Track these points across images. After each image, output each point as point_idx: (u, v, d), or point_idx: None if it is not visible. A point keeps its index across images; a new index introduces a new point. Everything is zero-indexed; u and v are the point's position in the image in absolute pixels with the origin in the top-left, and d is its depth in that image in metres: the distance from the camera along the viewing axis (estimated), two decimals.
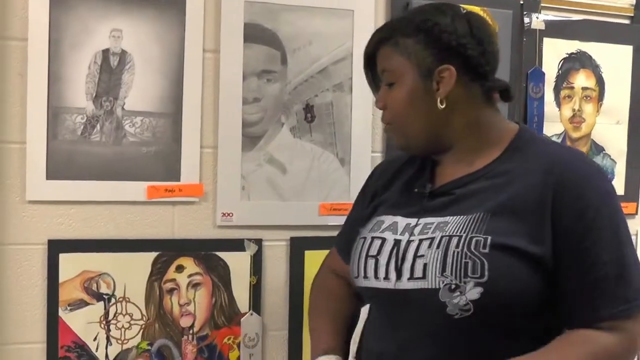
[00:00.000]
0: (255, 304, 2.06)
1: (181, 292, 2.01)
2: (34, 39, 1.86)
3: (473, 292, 1.32)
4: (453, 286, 1.33)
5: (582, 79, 2.34)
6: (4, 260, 1.89)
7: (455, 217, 1.40)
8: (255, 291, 2.06)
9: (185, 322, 2.02)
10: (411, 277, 1.38)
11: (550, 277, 1.37)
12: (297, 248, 2.09)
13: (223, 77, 1.99)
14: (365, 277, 1.47)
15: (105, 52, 1.92)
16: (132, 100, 1.94)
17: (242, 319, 2.04)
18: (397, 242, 1.44)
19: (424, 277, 1.36)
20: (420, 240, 1.40)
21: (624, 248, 1.37)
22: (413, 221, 1.46)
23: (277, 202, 2.06)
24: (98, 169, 1.92)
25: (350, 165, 2.11)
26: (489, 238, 1.34)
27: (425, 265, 1.37)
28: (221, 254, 2.02)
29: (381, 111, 1.53)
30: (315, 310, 1.71)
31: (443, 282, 1.34)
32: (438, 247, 1.37)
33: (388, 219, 1.51)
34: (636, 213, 2.43)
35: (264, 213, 2.05)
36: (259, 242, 2.05)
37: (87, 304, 1.94)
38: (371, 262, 1.46)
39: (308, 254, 2.10)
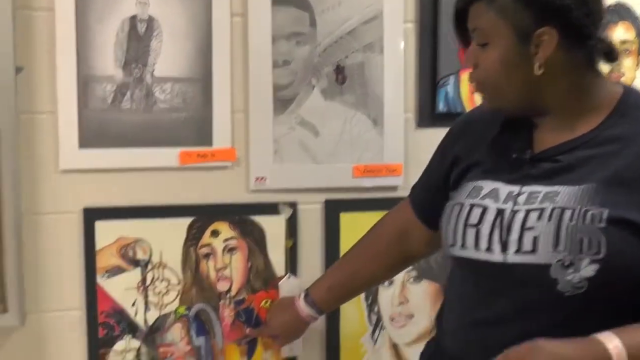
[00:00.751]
0: (292, 267, 2.07)
1: (217, 256, 2.02)
2: (60, 8, 1.86)
3: (588, 270, 1.28)
4: (567, 262, 1.29)
5: (620, 32, 2.28)
6: (41, 230, 1.91)
7: (565, 187, 1.35)
8: (291, 254, 2.07)
9: (222, 286, 2.03)
10: (519, 251, 1.34)
11: None
12: (332, 210, 2.09)
13: (252, 40, 1.98)
14: (464, 246, 1.44)
15: (133, 19, 1.92)
16: (161, 66, 1.94)
17: (279, 283, 2.05)
18: (500, 212, 1.39)
19: (533, 251, 1.32)
20: (528, 211, 1.35)
21: None
22: (516, 189, 1.40)
23: (310, 165, 2.06)
24: (130, 137, 1.93)
25: (383, 127, 2.09)
26: (606, 211, 1.29)
27: (535, 238, 1.32)
28: (256, 218, 2.03)
29: (471, 70, 1.46)
30: (347, 254, 1.86)
31: (556, 258, 1.30)
32: (550, 219, 1.32)
33: (487, 185, 1.45)
34: None
35: (298, 176, 2.06)
36: (293, 205, 2.06)
37: (124, 270, 1.96)
38: (471, 232, 1.42)
39: (343, 216, 2.09)
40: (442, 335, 1.59)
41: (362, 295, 2.12)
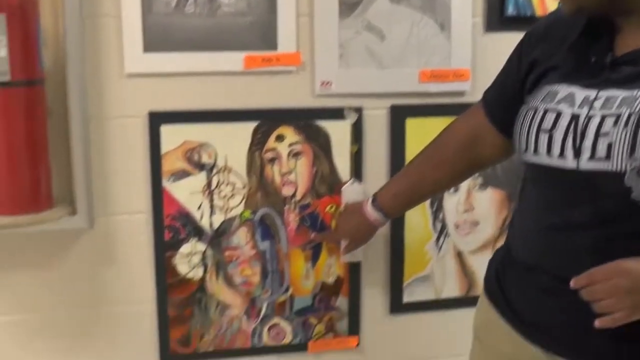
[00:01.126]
0: (356, 172, 2.08)
1: (282, 161, 2.03)
2: None
3: None
4: None
5: None
6: (107, 134, 1.94)
7: None
8: (356, 160, 2.07)
9: (286, 191, 2.05)
10: (592, 157, 1.30)
11: None
12: (398, 116, 2.08)
13: None
14: (536, 152, 1.41)
15: None
16: None
17: (343, 188, 2.07)
18: (574, 117, 1.34)
19: (607, 157, 1.28)
20: (603, 116, 1.30)
21: None
22: (593, 93, 1.35)
23: (376, 70, 2.04)
24: (195, 41, 1.92)
25: (451, 31, 2.06)
26: None
27: (610, 145, 1.28)
28: (321, 123, 2.03)
29: None
30: (413, 159, 1.86)
31: (631, 166, 1.26)
32: (626, 125, 1.27)
33: (562, 89, 1.40)
34: None
35: (363, 81, 2.04)
36: (359, 110, 2.05)
37: (189, 174, 1.98)
38: (544, 137, 1.38)
39: (409, 121, 2.09)
40: (512, 242, 1.58)
41: (427, 202, 2.13)
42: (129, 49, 1.89)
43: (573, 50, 1.44)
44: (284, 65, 1.98)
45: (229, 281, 2.06)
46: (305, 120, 2.03)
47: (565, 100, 1.38)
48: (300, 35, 1.99)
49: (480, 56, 2.05)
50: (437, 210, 2.15)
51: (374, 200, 1.89)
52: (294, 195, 2.06)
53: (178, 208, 1.99)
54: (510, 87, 1.56)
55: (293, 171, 2.05)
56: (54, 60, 1.83)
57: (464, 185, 2.11)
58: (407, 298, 2.20)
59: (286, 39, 1.97)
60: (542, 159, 1.39)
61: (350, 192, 2.06)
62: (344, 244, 2.03)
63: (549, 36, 1.52)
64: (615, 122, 1.28)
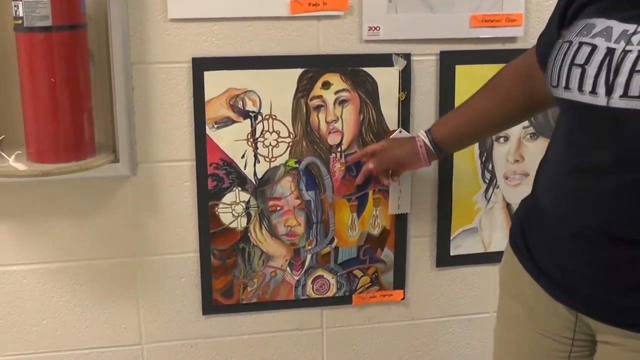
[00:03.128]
0: (404, 120, 2.08)
1: (328, 109, 2.04)
2: None
3: None
4: None
5: None
6: (150, 80, 1.96)
7: None
8: (404, 108, 2.08)
9: (332, 139, 2.07)
10: (624, 95, 1.26)
11: None
12: (448, 62, 2.08)
13: None
14: (567, 88, 1.37)
15: None
16: None
17: (391, 136, 2.07)
18: (610, 51, 1.30)
19: None
20: None
21: None
22: (632, 27, 1.30)
23: (426, 15, 2.03)
24: None
25: None
26: None
27: None
28: (368, 70, 2.03)
29: None
30: (469, 97, 1.83)
31: None
32: None
33: (600, 23, 1.36)
34: None
35: (412, 26, 2.03)
36: (407, 56, 2.05)
37: (233, 121, 2.00)
38: (576, 72, 1.35)
39: (459, 68, 2.09)
40: (539, 188, 1.56)
41: (476, 152, 2.14)
42: None
43: None
44: (330, 10, 1.98)
45: (272, 231, 2.09)
46: (352, 67, 2.02)
47: (601, 33, 1.34)
48: None
49: (534, 1, 2.05)
50: (486, 160, 2.16)
51: (427, 130, 1.90)
52: (340, 143, 2.07)
53: (221, 156, 2.01)
54: (554, 27, 1.53)
55: (339, 119, 2.05)
56: (95, 4, 1.85)
57: (514, 134, 2.12)
58: (454, 251, 2.22)
59: None
60: (573, 95, 1.35)
61: None
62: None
63: None
64: None
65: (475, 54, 2.07)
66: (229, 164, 2.02)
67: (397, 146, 1.97)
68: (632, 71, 1.25)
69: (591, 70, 1.31)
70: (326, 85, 2.03)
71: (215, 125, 2.00)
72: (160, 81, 1.97)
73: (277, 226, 2.09)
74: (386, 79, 2.05)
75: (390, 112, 2.08)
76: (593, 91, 1.31)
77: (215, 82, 1.97)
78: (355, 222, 2.13)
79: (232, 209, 2.06)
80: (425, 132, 1.90)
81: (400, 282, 2.21)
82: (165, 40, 1.94)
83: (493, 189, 2.18)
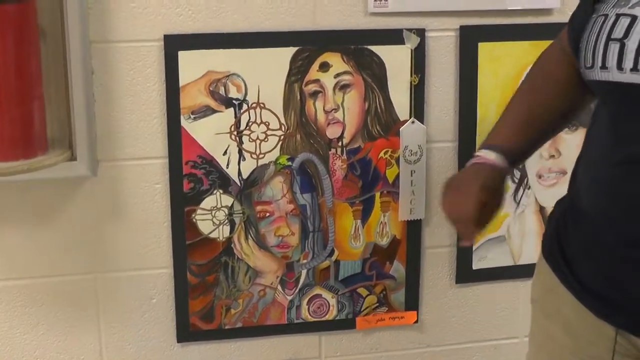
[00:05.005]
0: (418, 109, 2.05)
1: (327, 95, 2.00)
2: None
3: None
4: None
5: None
6: (114, 61, 1.90)
7: None
8: (418, 94, 2.04)
9: (332, 132, 2.03)
10: None
11: None
12: (469, 39, 2.05)
13: None
14: (604, 67, 1.36)
15: None
16: None
17: (401, 128, 2.04)
18: None
19: None
20: None
21: None
22: None
23: None
24: None
25: None
26: None
27: None
28: (375, 48, 2.00)
29: None
30: (516, 93, 1.73)
31: None
32: None
33: None
34: None
35: None
36: (421, 32, 2.01)
37: (214, 111, 1.96)
38: (614, 48, 1.33)
39: (482, 46, 2.05)
40: (578, 187, 1.54)
41: None
42: None
43: None
44: None
45: (261, 242, 2.05)
46: (356, 45, 1.99)
47: None
48: None
49: None
50: None
51: (489, 147, 1.69)
52: (341, 137, 2.03)
53: (199, 153, 1.97)
54: (590, 1, 1.51)
55: (340, 108, 2.01)
56: None
57: None
58: (477, 264, 2.19)
59: None
60: (612, 74, 1.35)
61: (411, 133, 2.04)
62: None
63: None
64: None
65: (502, 28, 2.04)
66: (208, 162, 1.98)
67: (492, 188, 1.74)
68: None
69: (632, 44, 1.31)
70: (324, 67, 1.99)
71: (192, 116, 1.95)
72: (126, 63, 1.92)
73: (266, 236, 2.05)
74: (396, 59, 2.02)
75: (401, 99, 2.04)
76: (635, 68, 1.31)
77: (192, 64, 1.94)
78: (360, 230, 2.09)
79: (212, 215, 2.01)
80: (487, 149, 1.72)
81: (413, 303, 2.17)
82: (131, 14, 1.89)
83: (524, 190, 2.14)
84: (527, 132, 1.72)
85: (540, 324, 1.64)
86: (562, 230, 1.57)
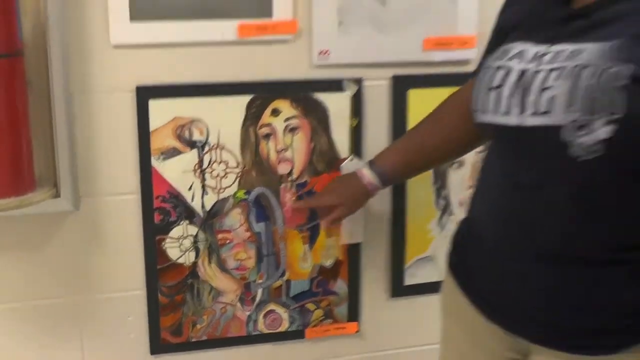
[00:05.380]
0: (356, 147, 2.12)
1: (278, 137, 2.07)
2: None
3: (603, 131, 1.26)
4: (580, 123, 1.28)
5: None
6: (92, 109, 1.95)
7: (592, 44, 1.31)
8: (356, 134, 2.12)
9: (283, 168, 2.09)
10: (535, 112, 1.34)
11: None
12: (400, 87, 2.13)
13: None
14: (485, 111, 1.46)
15: None
16: None
17: (342, 164, 2.11)
18: (522, 72, 1.39)
19: (548, 112, 1.32)
20: (550, 70, 1.34)
21: None
22: (543, 48, 1.40)
23: (377, 37, 2.07)
24: (185, 8, 1.95)
25: None
26: (631, 67, 1.25)
27: (551, 98, 1.32)
28: (319, 95, 2.07)
29: None
30: (415, 125, 1.91)
31: (569, 119, 1.29)
32: (568, 78, 1.30)
33: (516, 47, 1.46)
34: None
35: (363, 49, 2.08)
36: (358, 81, 2.09)
37: (180, 152, 2.01)
38: (493, 95, 1.43)
39: (412, 92, 2.13)
40: (474, 210, 1.65)
41: (431, 178, 2.19)
42: (114, 17, 1.91)
43: (533, 9, 1.51)
44: (279, 34, 2.01)
45: (222, 266, 2.11)
46: (302, 93, 2.06)
47: (517, 56, 1.43)
48: (297, 0, 2.01)
49: (488, 22, 1.97)
50: (441, 187, 2.21)
51: (371, 164, 1.92)
52: (290, 173, 2.09)
53: (168, 188, 2.02)
54: (485, 57, 1.62)
55: (289, 147, 2.08)
56: (33, 30, 1.83)
57: (469, 160, 2.15)
58: (408, 281, 2.25)
59: (282, 6, 2.00)
60: (490, 117, 1.45)
61: (350, 168, 2.07)
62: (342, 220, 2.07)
63: (517, 0, 1.61)
64: (559, 76, 1.32)
65: (428, 77, 2.13)
66: (175, 197, 2.03)
67: (339, 184, 2.02)
68: (541, 89, 1.33)
69: (505, 92, 1.40)
70: (275, 112, 2.06)
71: (162, 156, 2.01)
72: (103, 110, 1.97)
73: (227, 260, 2.10)
74: (337, 105, 2.09)
75: (341, 139, 2.11)
76: (508, 111, 1.39)
77: (161, 111, 1.98)
78: (308, 253, 2.16)
79: (179, 243, 2.07)
80: (370, 167, 1.92)
81: (354, 314, 2.24)
82: (107, 68, 1.94)
83: (448, 216, 2.21)
84: (409, 163, 1.90)
85: (446, 326, 1.75)
86: (462, 247, 1.67)
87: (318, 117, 2.09)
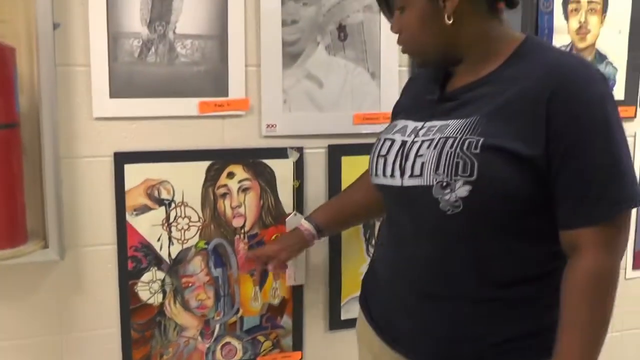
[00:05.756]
0: (299, 205, 2.28)
1: (233, 196, 2.22)
2: None
3: (462, 190, 1.44)
4: (444, 184, 1.45)
5: None
6: (77, 172, 2.08)
7: (456, 120, 1.50)
8: (298, 194, 2.28)
9: (237, 222, 2.24)
10: (411, 175, 1.51)
11: (545, 179, 1.45)
12: (335, 154, 2.30)
13: (264, 2, 2.19)
14: (376, 174, 1.62)
15: None
16: (183, 24, 2.14)
17: (287, 219, 2.27)
18: (403, 143, 1.57)
19: (420, 175, 1.49)
20: (423, 142, 1.52)
21: (616, 152, 1.43)
22: (420, 124, 1.58)
23: (316, 114, 2.26)
24: (155, 88, 2.11)
25: (380, 79, 2.32)
26: (481, 140, 1.44)
27: (423, 164, 1.49)
28: (267, 161, 2.23)
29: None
30: (347, 187, 2.08)
31: (436, 180, 1.46)
32: (435, 147, 1.48)
33: (400, 123, 1.65)
34: (635, 116, 2.72)
35: (304, 123, 2.26)
36: (300, 149, 2.26)
37: (150, 209, 2.15)
38: (381, 161, 1.60)
39: (345, 159, 2.31)
40: (373, 257, 1.82)
41: (361, 231, 2.39)
42: (96, 94, 2.07)
43: (416, 92, 1.73)
44: (234, 110, 2.19)
45: (185, 305, 2.24)
46: (253, 159, 2.21)
47: (399, 130, 1.62)
48: (248, 83, 2.20)
49: None
50: (369, 237, 2.39)
51: (308, 217, 2.10)
52: (243, 226, 2.24)
53: (140, 240, 2.15)
54: None
55: (242, 205, 2.23)
56: (29, 105, 1.97)
57: None
58: (344, 316, 2.40)
59: (236, 87, 2.19)
60: (380, 179, 1.61)
61: (293, 222, 2.24)
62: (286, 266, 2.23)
63: (409, 87, 1.86)
64: (429, 146, 1.50)
65: (358, 146, 2.29)
66: (146, 247, 2.16)
67: (289, 244, 2.13)
68: (416, 156, 1.52)
69: (390, 159, 1.58)
70: (231, 175, 2.21)
71: (135, 212, 2.14)
72: (85, 174, 2.10)
73: (190, 300, 2.23)
74: (282, 169, 2.25)
75: (286, 197, 2.28)
76: (392, 174, 1.57)
77: (134, 174, 2.12)
78: (258, 294, 2.30)
79: (149, 286, 2.20)
80: (307, 219, 2.08)
81: (298, 345, 2.37)
82: (90, 137, 2.08)
83: None
84: (339, 217, 2.08)
85: (361, 353, 1.89)
86: (367, 287, 1.83)
87: (266, 180, 2.24)
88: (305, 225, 2.06)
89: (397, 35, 1.68)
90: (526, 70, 1.48)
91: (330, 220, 2.07)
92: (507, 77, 1.50)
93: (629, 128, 2.60)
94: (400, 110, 1.76)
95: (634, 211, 1.66)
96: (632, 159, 1.47)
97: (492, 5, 1.57)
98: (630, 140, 2.70)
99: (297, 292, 2.36)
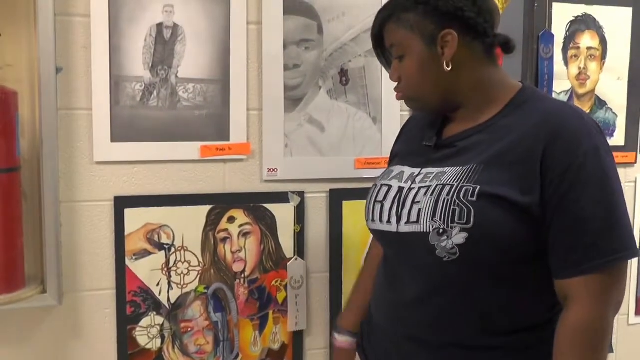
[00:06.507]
0: (300, 249, 2.26)
1: (233, 240, 2.20)
2: (95, 15, 2.04)
3: (459, 237, 1.43)
4: (441, 230, 1.44)
5: (587, 40, 2.60)
6: (77, 216, 2.08)
7: (452, 167, 1.50)
8: (299, 238, 2.26)
9: (237, 267, 2.22)
10: (408, 221, 1.50)
11: (540, 227, 1.44)
12: (336, 199, 2.28)
13: (265, 46, 2.19)
14: (373, 220, 1.61)
15: (159, 26, 2.11)
16: (185, 68, 2.14)
17: (288, 264, 2.25)
18: (400, 189, 1.57)
19: (417, 221, 1.48)
20: (419, 188, 1.52)
21: (609, 203, 1.42)
22: (417, 171, 1.58)
23: (317, 158, 2.26)
24: (156, 132, 2.11)
25: (382, 124, 2.32)
26: (478, 187, 1.43)
27: (419, 210, 1.49)
28: (268, 206, 2.21)
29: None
30: (356, 281, 1.97)
31: (432, 227, 1.45)
32: (432, 194, 1.48)
33: (397, 169, 1.64)
34: (635, 162, 2.70)
35: (306, 168, 2.25)
36: (301, 194, 2.25)
37: (150, 253, 2.14)
38: (378, 207, 1.60)
39: (346, 203, 2.29)
40: (370, 302, 1.78)
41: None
42: (98, 138, 2.07)
43: (413, 138, 1.71)
44: (235, 154, 2.18)
45: (184, 350, 2.20)
46: (254, 203, 2.20)
47: (396, 176, 1.62)
48: (250, 127, 2.20)
49: None
50: None
51: (338, 327, 1.93)
52: (243, 271, 2.22)
53: (139, 284, 2.13)
54: None
55: (243, 249, 2.21)
56: (30, 149, 1.98)
57: None
58: None
59: (238, 131, 2.19)
60: (377, 225, 1.60)
61: (294, 267, 2.25)
62: None
63: (404, 132, 1.83)
64: (425, 193, 1.50)
65: (360, 191, 2.24)
66: (145, 292, 2.14)
67: None
68: (412, 203, 1.51)
69: (387, 205, 1.58)
70: (231, 219, 2.19)
71: (134, 257, 2.12)
72: (85, 218, 2.09)
73: (188, 345, 2.19)
74: (283, 214, 2.24)
75: (287, 242, 2.25)
76: (388, 220, 1.56)
77: (134, 218, 2.11)
78: (258, 339, 2.26)
79: (148, 331, 2.16)
80: (339, 332, 1.92)
81: None
82: (90, 181, 2.08)
83: None
84: (366, 312, 1.85)
85: None
86: (365, 331, 1.80)
87: (267, 224, 2.22)
88: (341, 339, 1.92)
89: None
90: (522, 119, 1.49)
91: (359, 320, 1.92)
92: (504, 125, 1.51)
93: (629, 174, 2.63)
94: (397, 155, 1.76)
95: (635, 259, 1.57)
96: (627, 209, 1.47)
97: (490, 51, 1.58)
98: (630, 186, 2.69)
99: (297, 337, 2.31)
